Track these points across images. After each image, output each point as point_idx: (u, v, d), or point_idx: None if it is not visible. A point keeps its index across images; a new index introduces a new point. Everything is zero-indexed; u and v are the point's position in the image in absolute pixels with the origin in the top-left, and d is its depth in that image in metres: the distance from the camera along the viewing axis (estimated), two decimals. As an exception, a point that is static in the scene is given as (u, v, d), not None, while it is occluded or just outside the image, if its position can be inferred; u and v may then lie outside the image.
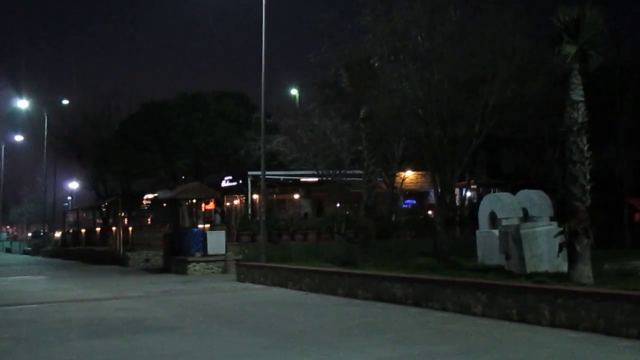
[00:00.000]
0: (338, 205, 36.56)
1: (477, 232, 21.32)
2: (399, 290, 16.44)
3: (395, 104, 21.64)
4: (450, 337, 12.01)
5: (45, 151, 58.26)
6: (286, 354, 10.76)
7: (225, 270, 28.00)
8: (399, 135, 26.68)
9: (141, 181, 53.15)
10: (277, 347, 11.31)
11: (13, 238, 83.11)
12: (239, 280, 24.32)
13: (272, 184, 36.77)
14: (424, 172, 39.47)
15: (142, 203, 50.72)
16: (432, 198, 33.31)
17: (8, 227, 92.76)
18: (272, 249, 25.82)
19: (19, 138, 71.78)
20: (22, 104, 61.00)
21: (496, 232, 18.83)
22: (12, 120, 67.32)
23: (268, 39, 25.73)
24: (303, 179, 39.80)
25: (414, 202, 46.59)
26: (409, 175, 40.90)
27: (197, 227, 30.71)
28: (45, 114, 56.36)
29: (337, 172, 29.69)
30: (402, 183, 37.63)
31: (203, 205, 38.86)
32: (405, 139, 27.34)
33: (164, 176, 49.44)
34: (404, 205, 42.04)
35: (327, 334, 12.51)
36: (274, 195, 41.82)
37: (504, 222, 19.20)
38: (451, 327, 13.00)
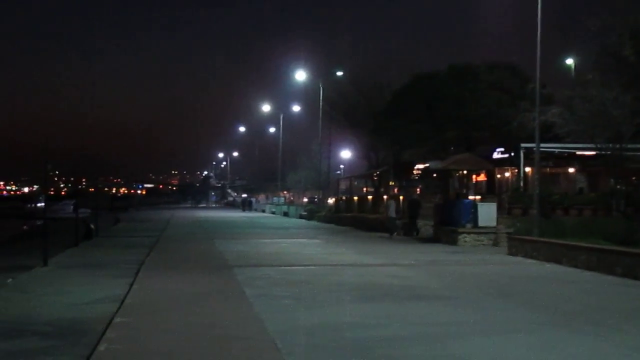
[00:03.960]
0: (616, 180, 34.69)
1: None
2: (686, 273, 15.37)
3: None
4: None
5: (320, 121, 60.68)
6: (564, 333, 10.43)
7: (495, 243, 27.70)
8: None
9: (411, 151, 53.54)
10: (553, 325, 11.01)
11: (290, 203, 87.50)
12: (510, 253, 23.94)
13: (546, 156, 35.57)
14: None
15: (412, 173, 51.17)
16: None
17: (285, 192, 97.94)
18: (544, 224, 25.09)
19: (296, 108, 75.62)
20: (300, 75, 63.85)
21: None
22: (291, 91, 71.03)
23: (544, 6, 24.97)
24: (579, 152, 38.25)
25: None
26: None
27: (467, 198, 30.57)
28: (320, 86, 58.65)
29: (617, 145, 28.13)
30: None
31: (474, 176, 38.62)
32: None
33: (433, 147, 49.53)
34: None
35: (605, 315, 11.99)
36: (547, 169, 40.41)
37: None
38: None
